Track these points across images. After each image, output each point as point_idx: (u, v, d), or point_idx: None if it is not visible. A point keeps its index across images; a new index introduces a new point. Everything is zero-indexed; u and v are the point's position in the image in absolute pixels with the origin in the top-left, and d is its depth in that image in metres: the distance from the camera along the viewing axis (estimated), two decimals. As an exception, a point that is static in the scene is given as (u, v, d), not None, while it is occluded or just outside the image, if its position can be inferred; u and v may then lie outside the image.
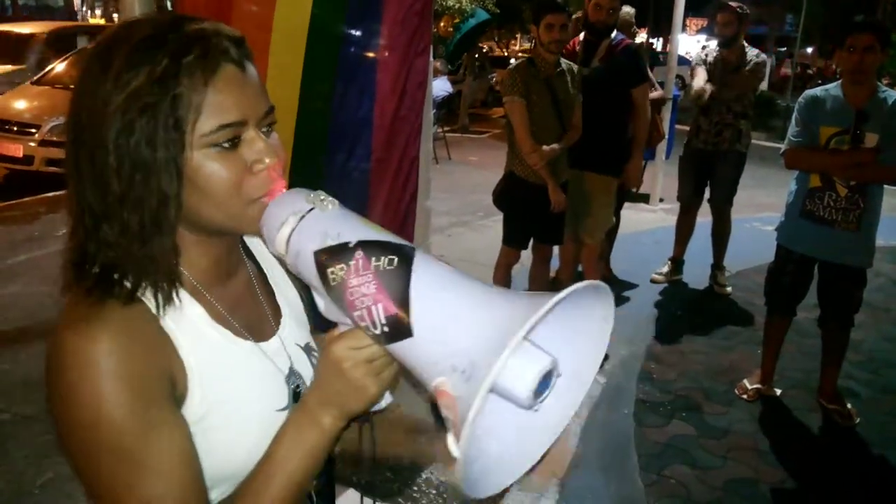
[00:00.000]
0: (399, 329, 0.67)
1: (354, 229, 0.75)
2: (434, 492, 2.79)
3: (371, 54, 2.35)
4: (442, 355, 0.64)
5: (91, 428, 0.74)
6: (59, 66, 8.44)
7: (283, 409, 0.93)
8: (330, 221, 0.77)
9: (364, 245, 0.72)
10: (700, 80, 4.87)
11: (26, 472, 2.85)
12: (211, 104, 0.77)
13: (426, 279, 0.69)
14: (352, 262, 0.71)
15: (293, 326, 1.02)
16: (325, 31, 2.21)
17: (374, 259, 0.71)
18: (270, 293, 1.03)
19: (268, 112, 0.84)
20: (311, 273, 0.76)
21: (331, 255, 0.73)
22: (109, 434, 0.74)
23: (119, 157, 0.75)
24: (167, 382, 0.79)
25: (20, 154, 7.16)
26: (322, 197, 0.80)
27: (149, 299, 0.79)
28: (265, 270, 1.05)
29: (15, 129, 7.28)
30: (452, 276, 0.70)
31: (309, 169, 2.27)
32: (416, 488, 2.80)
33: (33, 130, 7.16)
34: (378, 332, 0.70)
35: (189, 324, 0.83)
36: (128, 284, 0.78)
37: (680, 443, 3.20)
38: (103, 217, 0.78)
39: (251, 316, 0.95)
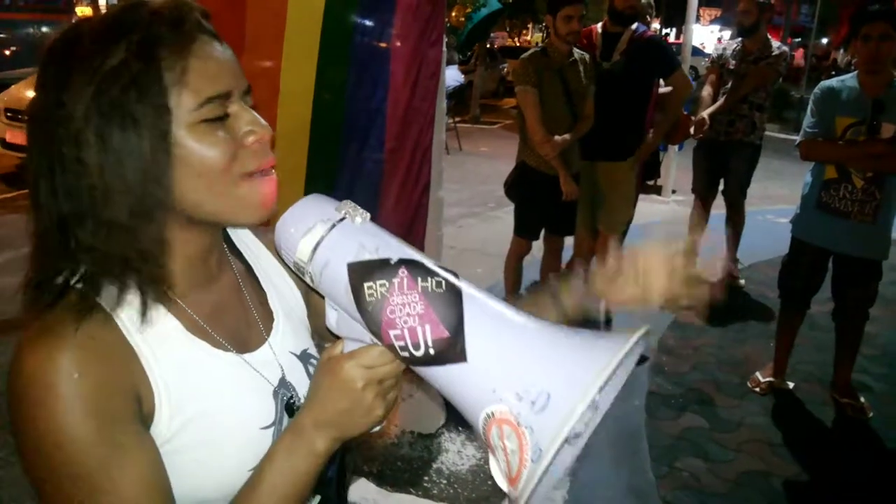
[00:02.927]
0: (448, 353, 0.67)
1: (391, 246, 0.73)
2: (445, 482, 2.80)
3: (384, 44, 2.33)
4: (501, 383, 0.64)
5: (51, 453, 0.69)
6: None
7: (269, 427, 0.87)
8: (365, 234, 0.74)
9: (407, 263, 0.71)
10: (705, 90, 4.96)
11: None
12: (194, 75, 0.73)
13: (477, 306, 0.69)
14: (395, 280, 0.70)
15: (287, 332, 0.96)
16: (339, 21, 2.20)
17: (420, 279, 0.70)
18: (262, 296, 0.96)
19: (247, 90, 0.81)
20: (339, 285, 0.73)
21: (369, 270, 0.71)
22: (70, 459, 0.69)
23: (99, 146, 0.71)
24: (133, 401, 0.74)
25: (31, 144, 7.18)
26: (352, 207, 0.77)
27: (119, 311, 0.75)
28: (256, 270, 0.98)
29: (26, 118, 7.31)
30: (502, 306, 0.70)
31: (324, 159, 2.26)
32: (426, 478, 2.81)
33: (47, 120, 7.19)
34: (420, 353, 0.69)
35: (158, 336, 0.77)
36: (110, 294, 0.74)
37: (692, 435, 3.19)
38: (80, 220, 0.73)
39: (237, 323, 0.89)
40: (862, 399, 3.43)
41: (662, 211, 7.04)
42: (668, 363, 3.87)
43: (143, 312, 0.75)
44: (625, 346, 0.62)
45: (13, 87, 7.90)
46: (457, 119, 11.38)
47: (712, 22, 32.84)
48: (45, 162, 0.73)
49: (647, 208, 6.79)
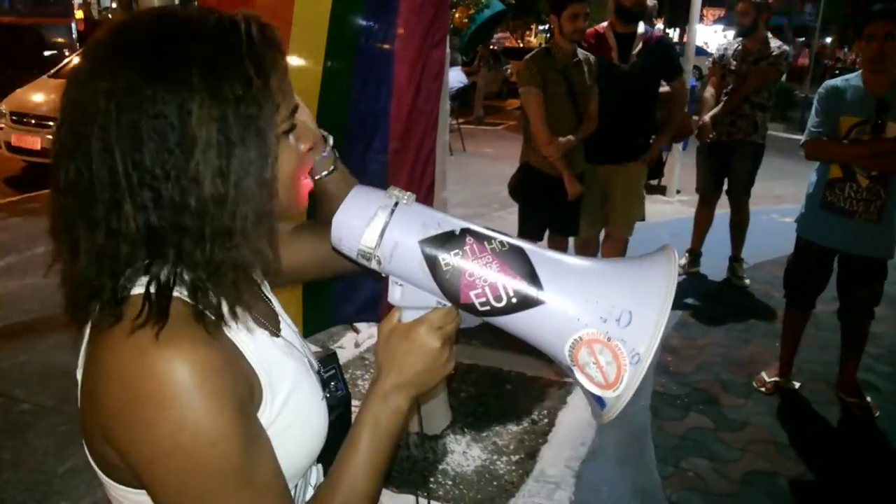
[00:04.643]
0: (529, 299, 0.77)
1: (445, 219, 0.81)
2: (450, 483, 2.80)
3: (387, 46, 2.34)
4: (584, 313, 0.75)
5: (205, 452, 0.71)
6: (75, 60, 8.49)
7: (324, 398, 0.94)
8: (420, 213, 0.82)
9: (468, 232, 0.80)
10: (707, 91, 4.97)
11: (47, 461, 2.89)
12: (284, 89, 0.79)
13: (539, 256, 0.79)
14: (466, 248, 0.78)
15: (284, 316, 1.01)
16: (345, 23, 2.21)
17: (486, 243, 0.79)
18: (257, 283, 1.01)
19: None
20: (412, 262, 0.80)
21: (440, 243, 0.79)
22: (224, 454, 0.72)
23: (224, 163, 0.72)
24: (250, 393, 0.78)
25: (38, 147, 7.24)
26: (398, 191, 0.83)
27: (212, 311, 0.76)
28: None
29: (33, 122, 7.35)
30: (556, 253, 0.81)
31: None
32: (432, 479, 2.81)
33: (51, 123, 7.19)
34: (503, 304, 0.77)
35: (241, 327, 0.80)
36: (212, 302, 0.76)
37: (697, 435, 3.18)
38: (184, 233, 0.73)
39: (264, 310, 0.94)
40: (868, 398, 3.42)
41: (667, 211, 7.02)
42: (673, 363, 3.87)
43: (234, 312, 0.78)
44: (674, 260, 0.77)
45: (18, 91, 7.94)
46: (460, 120, 11.39)
47: (716, 21, 32.83)
48: (136, 176, 0.71)
49: (652, 208, 6.72)
